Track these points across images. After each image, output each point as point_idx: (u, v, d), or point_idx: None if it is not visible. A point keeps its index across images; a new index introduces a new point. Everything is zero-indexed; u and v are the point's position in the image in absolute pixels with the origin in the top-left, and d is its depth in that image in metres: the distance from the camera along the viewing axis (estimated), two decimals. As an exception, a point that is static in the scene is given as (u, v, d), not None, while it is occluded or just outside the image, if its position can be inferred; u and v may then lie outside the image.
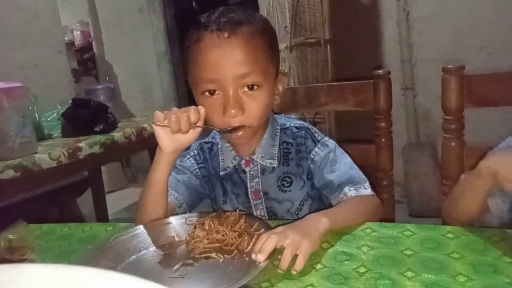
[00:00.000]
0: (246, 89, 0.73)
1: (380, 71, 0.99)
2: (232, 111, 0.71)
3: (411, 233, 0.63)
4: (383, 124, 1.01)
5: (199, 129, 0.73)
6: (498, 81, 0.93)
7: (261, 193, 0.86)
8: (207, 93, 0.74)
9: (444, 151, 0.96)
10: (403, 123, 2.40)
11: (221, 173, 0.87)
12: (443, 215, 0.80)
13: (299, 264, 0.55)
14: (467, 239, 0.60)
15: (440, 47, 2.31)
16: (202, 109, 0.72)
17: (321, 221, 0.63)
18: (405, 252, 0.58)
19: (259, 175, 0.85)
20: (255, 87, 0.73)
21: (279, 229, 0.61)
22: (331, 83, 1.30)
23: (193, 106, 0.72)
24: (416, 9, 2.31)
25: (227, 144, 0.86)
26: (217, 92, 0.73)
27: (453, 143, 0.93)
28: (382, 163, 1.03)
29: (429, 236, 0.62)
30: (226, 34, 0.71)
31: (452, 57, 2.26)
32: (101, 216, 2.12)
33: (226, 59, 0.71)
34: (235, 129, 0.74)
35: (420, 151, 2.33)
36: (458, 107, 0.91)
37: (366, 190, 0.79)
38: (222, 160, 0.87)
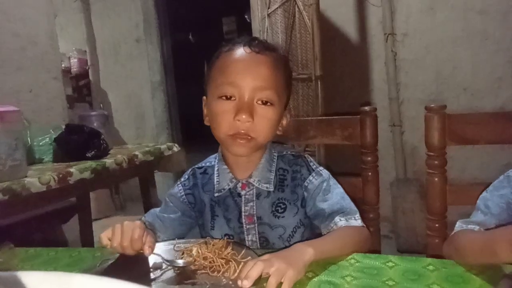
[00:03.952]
0: (260, 102, 0.79)
1: (366, 108, 1.04)
2: (244, 116, 0.76)
3: (394, 264, 0.65)
4: (369, 158, 1.04)
5: (148, 252, 0.68)
6: (478, 120, 0.97)
7: (255, 217, 0.87)
8: (223, 97, 0.79)
9: (428, 186, 0.99)
10: (391, 159, 2.44)
11: (215, 194, 0.88)
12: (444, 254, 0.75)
13: (284, 292, 0.56)
14: (447, 271, 0.62)
15: (426, 88, 2.40)
16: (151, 239, 0.70)
17: (307, 251, 0.65)
18: (387, 282, 0.59)
19: (254, 199, 0.87)
20: (268, 103, 0.79)
21: (266, 256, 0.62)
22: (320, 117, 1.34)
23: (140, 224, 0.71)
24: (403, 51, 2.42)
25: (225, 166, 0.88)
26: (233, 97, 0.78)
27: (436, 179, 0.97)
28: (369, 197, 1.05)
29: (410, 267, 0.63)
30: (257, 50, 0.80)
31: (438, 97, 2.35)
32: (87, 243, 2.09)
33: (251, 69, 0.79)
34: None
35: (408, 187, 2.37)
36: (440, 144, 0.95)
37: (357, 221, 0.80)
38: (217, 182, 0.89)
